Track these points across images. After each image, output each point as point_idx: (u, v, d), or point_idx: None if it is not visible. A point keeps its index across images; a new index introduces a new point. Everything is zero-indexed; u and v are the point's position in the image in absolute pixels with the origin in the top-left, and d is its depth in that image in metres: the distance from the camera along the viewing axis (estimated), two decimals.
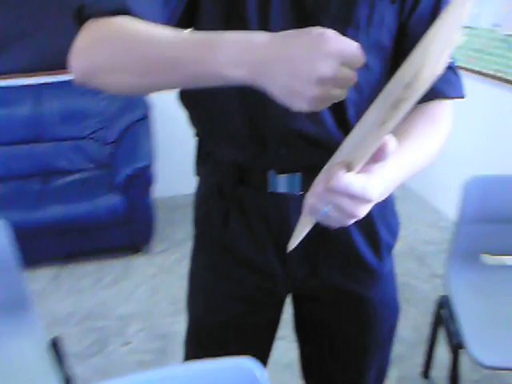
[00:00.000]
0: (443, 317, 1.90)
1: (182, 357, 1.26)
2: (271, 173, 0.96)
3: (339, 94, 0.61)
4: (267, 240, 1.02)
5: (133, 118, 3.15)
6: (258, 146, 0.93)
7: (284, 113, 0.75)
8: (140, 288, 2.78)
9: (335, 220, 0.67)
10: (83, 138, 3.20)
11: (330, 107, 0.66)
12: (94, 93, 3.16)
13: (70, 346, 2.31)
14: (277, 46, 0.60)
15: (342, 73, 0.59)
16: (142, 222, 2.96)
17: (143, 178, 2.85)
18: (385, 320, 1.12)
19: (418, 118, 0.86)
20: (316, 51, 0.58)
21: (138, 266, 2.96)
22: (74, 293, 2.75)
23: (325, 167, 0.68)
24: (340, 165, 0.63)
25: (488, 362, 1.59)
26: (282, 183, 0.96)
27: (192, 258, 1.16)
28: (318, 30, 0.59)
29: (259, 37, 0.62)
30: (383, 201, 0.98)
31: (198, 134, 1.04)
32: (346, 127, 0.90)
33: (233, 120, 0.92)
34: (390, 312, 1.13)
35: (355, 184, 0.62)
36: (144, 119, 3.16)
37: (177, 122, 3.52)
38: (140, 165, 2.82)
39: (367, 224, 1.02)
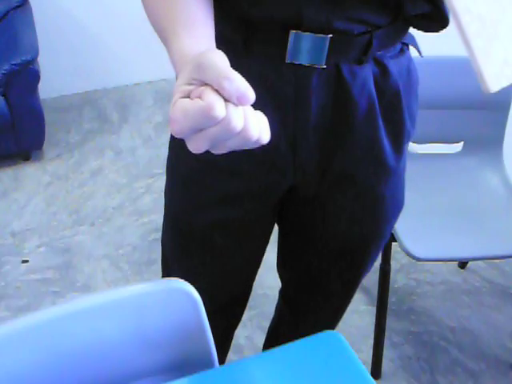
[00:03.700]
0: None
1: (161, 265, 1.18)
2: (294, 33, 0.78)
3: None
4: (276, 122, 0.84)
5: (9, 5, 2.70)
6: None
7: None
8: (34, 199, 2.49)
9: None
10: None
11: None
12: None
13: None
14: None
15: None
16: (29, 125, 2.61)
17: (27, 74, 2.48)
18: (393, 217, 1.04)
19: None
20: None
21: (30, 176, 2.65)
22: None
23: None
24: None
25: (422, 254, 1.54)
26: (304, 51, 0.79)
27: (172, 147, 1.00)
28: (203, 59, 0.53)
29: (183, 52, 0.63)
30: (408, 80, 0.88)
31: None
32: None
33: None
34: (398, 209, 1.06)
35: None
36: (22, 6, 2.73)
37: (60, 8, 3.14)
38: (22, 59, 2.44)
39: (394, 110, 0.89)
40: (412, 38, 0.93)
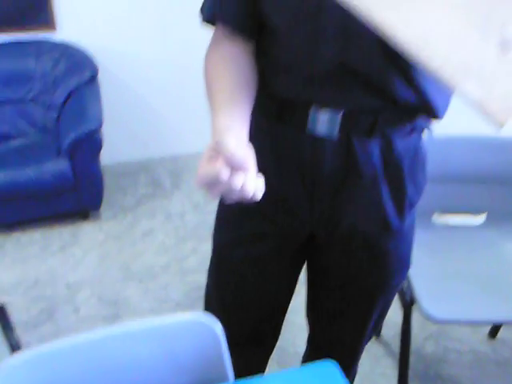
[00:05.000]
0: None
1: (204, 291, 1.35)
2: (313, 109, 0.98)
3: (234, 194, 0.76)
4: (297, 178, 1.06)
5: (80, 80, 3.01)
6: (306, 79, 0.97)
7: (334, 45, 0.91)
8: (89, 255, 2.71)
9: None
10: (27, 102, 3.06)
11: (382, 43, 0.78)
12: (38, 53, 3.02)
13: (17, 315, 2.24)
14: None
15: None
16: (90, 187, 2.87)
17: (91, 142, 2.75)
18: (397, 272, 1.18)
19: None
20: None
21: (87, 233, 2.88)
22: (20, 261, 2.66)
23: None
24: None
25: (438, 315, 1.63)
26: (321, 123, 0.99)
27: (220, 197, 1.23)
28: (219, 138, 0.78)
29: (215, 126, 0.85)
30: (415, 156, 1.06)
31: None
32: (398, 65, 0.92)
33: (289, 52, 0.98)
34: (404, 265, 1.20)
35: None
36: (92, 81, 3.04)
37: (124, 84, 3.46)
38: (88, 128, 2.71)
39: (396, 180, 1.05)
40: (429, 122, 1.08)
